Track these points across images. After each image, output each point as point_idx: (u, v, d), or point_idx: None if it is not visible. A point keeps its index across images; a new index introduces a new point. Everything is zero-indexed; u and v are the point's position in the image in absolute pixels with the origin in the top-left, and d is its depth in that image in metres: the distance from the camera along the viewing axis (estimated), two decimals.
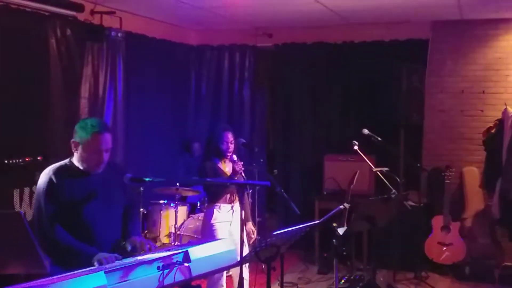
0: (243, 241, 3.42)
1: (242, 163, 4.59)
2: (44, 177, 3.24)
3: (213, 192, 4.69)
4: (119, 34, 6.23)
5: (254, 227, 4.94)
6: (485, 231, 6.59)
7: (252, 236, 4.84)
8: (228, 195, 4.66)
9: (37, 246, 2.68)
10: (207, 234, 4.66)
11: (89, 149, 3.19)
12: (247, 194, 4.95)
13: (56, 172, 3.26)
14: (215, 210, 4.65)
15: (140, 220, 4.48)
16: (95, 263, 2.99)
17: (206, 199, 5.97)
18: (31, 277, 2.62)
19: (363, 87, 7.39)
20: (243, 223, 3.48)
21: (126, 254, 3.23)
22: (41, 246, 2.97)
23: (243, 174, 4.58)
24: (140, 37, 6.94)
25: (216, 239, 4.35)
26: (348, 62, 7.48)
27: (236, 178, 4.52)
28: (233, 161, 4.58)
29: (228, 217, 4.68)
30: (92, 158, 3.22)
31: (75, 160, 3.26)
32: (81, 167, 3.25)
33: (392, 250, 6.27)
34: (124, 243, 3.33)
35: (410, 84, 7.11)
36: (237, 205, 4.69)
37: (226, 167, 4.70)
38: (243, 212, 3.50)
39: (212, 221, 4.63)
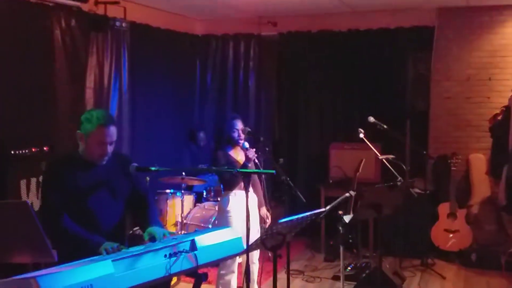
0: (249, 228, 3.42)
1: (254, 149, 4.60)
2: (49, 167, 3.26)
3: (228, 180, 4.70)
4: (124, 24, 6.22)
5: (268, 212, 4.97)
6: (492, 218, 6.59)
7: (267, 220, 4.86)
8: (243, 183, 4.66)
9: (44, 235, 2.70)
10: (223, 221, 4.68)
11: (93, 141, 3.20)
12: (260, 180, 4.96)
13: (62, 162, 3.28)
14: (230, 197, 4.67)
15: (157, 208, 4.46)
16: (102, 252, 3.00)
17: (221, 187, 6.04)
18: (39, 266, 2.64)
19: (369, 75, 7.37)
20: (248, 211, 3.47)
21: (138, 243, 3.23)
22: (48, 236, 2.99)
23: (257, 161, 4.59)
24: (144, 27, 6.94)
25: (230, 226, 4.37)
26: (353, 50, 7.45)
27: (250, 165, 4.53)
28: (245, 149, 4.58)
29: (244, 204, 4.69)
30: (96, 150, 3.22)
31: (81, 151, 3.28)
32: (86, 158, 3.26)
33: (398, 237, 6.27)
34: (139, 231, 3.33)
35: (416, 72, 7.11)
36: (250, 192, 4.71)
37: (239, 155, 4.71)
38: (248, 200, 3.49)
39: (228, 208, 4.65)
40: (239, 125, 4.67)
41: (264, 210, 4.91)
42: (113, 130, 3.24)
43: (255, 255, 4.78)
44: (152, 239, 3.21)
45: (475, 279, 5.93)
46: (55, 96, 5.67)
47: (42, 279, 2.41)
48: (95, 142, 3.20)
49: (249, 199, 4.65)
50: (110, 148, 3.24)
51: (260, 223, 4.86)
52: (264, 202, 4.96)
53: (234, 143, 4.68)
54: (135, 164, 3.31)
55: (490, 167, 6.68)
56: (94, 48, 6.18)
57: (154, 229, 3.29)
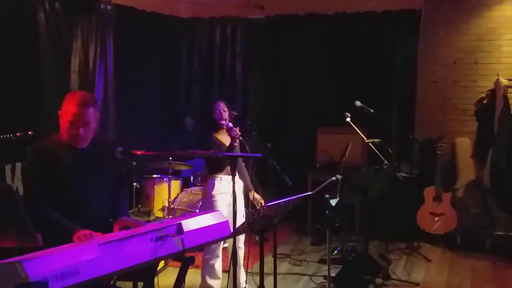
0: (235, 212, 3.42)
1: (238, 128, 4.57)
2: (30, 151, 3.22)
3: (214, 163, 4.69)
4: (108, 7, 6.17)
5: (258, 195, 4.97)
6: (477, 201, 6.64)
7: (262, 202, 4.85)
8: (229, 167, 4.65)
9: (29, 219, 2.68)
10: (207, 205, 4.68)
11: (68, 120, 3.15)
12: (248, 164, 4.95)
13: (42, 145, 3.24)
14: (216, 181, 4.66)
15: (128, 198, 4.43)
16: (75, 241, 2.95)
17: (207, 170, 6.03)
18: (24, 251, 2.62)
19: (356, 58, 7.36)
20: (235, 194, 3.47)
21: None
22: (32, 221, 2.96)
23: (242, 139, 4.55)
24: (129, 9, 6.88)
25: (216, 210, 4.37)
26: (340, 34, 7.44)
27: (235, 144, 4.50)
28: (229, 128, 4.55)
29: (229, 189, 4.66)
30: (69, 131, 3.17)
31: (61, 133, 3.23)
32: (66, 141, 3.22)
33: (384, 220, 6.31)
34: (111, 220, 3.30)
35: (403, 55, 7.10)
36: (236, 177, 4.70)
37: (224, 138, 4.68)
38: (235, 184, 3.48)
39: (213, 192, 4.64)
40: (221, 105, 4.64)
41: (255, 195, 4.90)
42: (89, 111, 3.17)
43: (241, 239, 4.79)
44: (125, 228, 3.16)
45: (460, 262, 6.00)
46: (39, 80, 5.61)
47: (27, 263, 2.38)
48: (69, 122, 3.15)
49: (235, 183, 4.68)
50: (85, 130, 3.18)
51: (246, 207, 4.85)
52: (253, 186, 4.96)
53: (218, 125, 4.65)
54: (121, 148, 3.27)
55: (475, 150, 6.71)
56: (79, 31, 6.13)
57: (125, 219, 3.26)
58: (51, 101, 5.62)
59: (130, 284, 3.38)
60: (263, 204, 4.83)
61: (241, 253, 4.81)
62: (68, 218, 3.10)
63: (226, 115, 4.65)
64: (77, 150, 3.24)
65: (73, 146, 3.23)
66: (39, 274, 2.37)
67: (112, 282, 3.18)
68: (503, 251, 6.16)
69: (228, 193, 4.67)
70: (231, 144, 4.51)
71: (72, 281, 2.48)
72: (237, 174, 4.70)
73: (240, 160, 4.85)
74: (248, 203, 4.93)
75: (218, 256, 4.67)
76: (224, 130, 4.63)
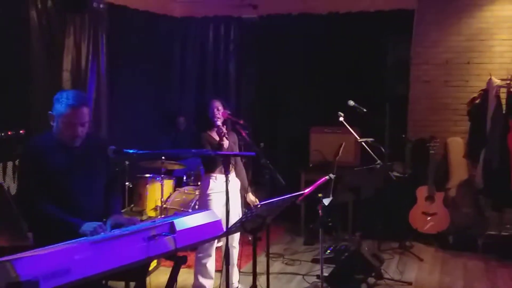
0: (229, 211, 3.41)
1: (225, 126, 4.56)
2: (24, 149, 3.21)
3: (208, 162, 4.68)
4: (101, 6, 6.13)
5: (253, 196, 4.96)
6: (469, 200, 6.67)
7: (257, 205, 4.83)
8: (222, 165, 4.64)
9: (19, 218, 2.66)
10: (202, 204, 4.67)
11: (63, 122, 3.15)
12: (244, 165, 4.95)
13: (36, 144, 3.23)
14: (211, 180, 4.65)
15: (121, 197, 4.40)
16: (87, 234, 2.95)
17: (201, 171, 6.01)
18: (16, 250, 2.60)
19: (349, 58, 7.36)
20: (228, 193, 3.46)
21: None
22: (24, 219, 2.95)
23: (227, 136, 4.54)
24: (122, 8, 6.85)
25: (210, 210, 4.36)
26: (333, 33, 7.44)
27: (223, 143, 4.49)
28: (217, 126, 4.54)
29: (223, 188, 4.68)
30: (66, 131, 3.17)
31: (55, 133, 3.22)
32: (61, 140, 3.21)
33: (377, 220, 6.32)
34: (104, 220, 3.29)
35: (395, 55, 7.12)
36: (233, 176, 4.70)
37: (218, 137, 4.66)
38: (228, 182, 3.47)
39: (208, 192, 4.63)
40: (217, 105, 4.64)
41: (250, 196, 4.89)
42: (83, 110, 3.17)
43: (235, 238, 4.78)
44: (117, 226, 3.15)
45: (452, 261, 6.01)
46: (31, 79, 5.57)
47: (18, 262, 2.36)
48: (66, 123, 3.15)
49: (231, 182, 4.67)
50: (81, 130, 3.18)
51: (242, 207, 4.84)
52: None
53: (212, 124, 4.64)
54: (113, 147, 3.26)
55: (467, 150, 6.73)
56: (71, 30, 6.09)
57: (117, 218, 3.26)
58: (43, 100, 5.57)
59: (122, 283, 3.38)
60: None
61: (235, 252, 4.80)
62: None
63: (219, 113, 4.64)
64: (69, 149, 3.23)
65: (65, 145, 3.22)
66: (29, 273, 2.35)
67: (104, 282, 3.16)
68: (495, 250, 6.18)
69: (223, 192, 4.66)
70: (218, 143, 4.51)
71: (63, 281, 2.46)
72: (234, 172, 4.72)
73: (238, 159, 4.84)
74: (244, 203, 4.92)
75: (211, 256, 4.66)
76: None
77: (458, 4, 6.97)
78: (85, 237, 2.92)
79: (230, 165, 4.66)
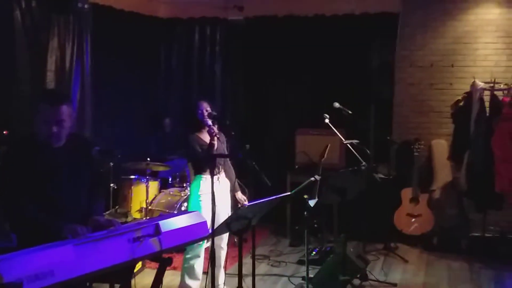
0: (215, 212, 3.41)
1: (216, 126, 4.55)
2: (7, 151, 3.17)
3: (198, 163, 4.68)
4: (86, 6, 6.08)
5: (244, 195, 4.96)
6: (453, 202, 6.71)
7: (245, 203, 4.83)
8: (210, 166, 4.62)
9: (2, 219, 2.64)
10: (193, 205, 4.66)
11: (40, 119, 3.12)
12: (232, 165, 4.95)
13: (18, 144, 3.21)
14: (201, 182, 4.64)
15: (104, 199, 4.38)
16: (68, 236, 2.92)
17: (186, 172, 6.04)
18: (0, 251, 2.58)
19: (334, 60, 7.39)
20: (214, 193, 3.46)
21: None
22: (7, 220, 2.91)
23: (218, 137, 4.53)
24: (107, 9, 6.81)
25: (202, 210, 4.36)
26: (319, 36, 7.46)
27: (214, 142, 4.48)
28: (208, 126, 4.53)
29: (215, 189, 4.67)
30: (42, 129, 3.14)
31: (37, 133, 3.19)
32: (43, 140, 3.17)
33: (362, 221, 6.34)
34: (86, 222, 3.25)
35: (380, 58, 7.15)
36: (222, 176, 4.70)
37: (206, 138, 4.65)
38: (214, 183, 3.47)
39: (199, 193, 4.62)
40: (204, 105, 4.63)
41: (239, 195, 4.90)
42: (60, 109, 3.12)
43: (224, 240, 4.78)
44: (98, 228, 3.11)
45: (436, 262, 6.05)
46: (14, 79, 5.53)
47: (1, 264, 2.35)
48: (42, 121, 3.12)
49: (222, 183, 4.68)
50: (57, 128, 3.13)
51: (233, 207, 4.84)
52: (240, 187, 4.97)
53: (200, 125, 4.63)
54: (98, 148, 3.24)
55: (451, 152, 6.77)
56: (56, 30, 6.05)
57: (98, 219, 3.22)
58: (27, 101, 5.53)
59: (107, 286, 3.35)
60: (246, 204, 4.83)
61: (223, 253, 4.80)
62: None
63: (207, 114, 4.63)
64: (53, 149, 3.20)
65: (49, 145, 3.18)
66: (13, 275, 2.33)
67: (88, 284, 3.14)
68: (479, 251, 6.24)
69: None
70: (210, 143, 4.50)
71: (47, 282, 2.45)
72: (223, 173, 4.72)
73: (228, 160, 4.84)
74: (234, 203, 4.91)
75: (199, 257, 4.65)
76: (206, 129, 4.61)
77: (443, 7, 7.02)
78: (68, 239, 2.88)
79: (220, 166, 4.68)
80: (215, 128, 4.51)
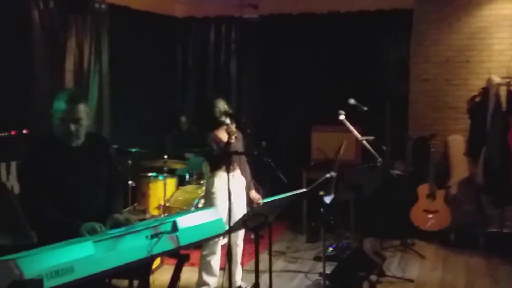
0: (231, 209, 3.44)
1: (234, 125, 4.58)
2: (28, 150, 3.22)
3: (213, 161, 4.71)
4: (103, 6, 6.14)
5: (258, 193, 4.99)
6: (470, 198, 6.67)
7: (260, 202, 4.86)
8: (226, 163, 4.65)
9: (23, 217, 2.68)
10: (208, 202, 4.70)
11: (58, 118, 3.15)
12: (248, 162, 4.97)
13: (37, 143, 3.25)
14: (216, 179, 4.67)
15: (122, 197, 4.41)
16: (85, 234, 2.97)
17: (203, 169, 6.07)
18: (19, 248, 2.63)
19: (350, 57, 7.39)
20: (230, 191, 3.49)
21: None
22: (27, 218, 2.96)
23: (236, 135, 4.55)
24: (124, 9, 6.87)
25: (216, 207, 4.38)
26: (334, 33, 7.45)
27: (232, 141, 4.51)
28: (226, 125, 4.55)
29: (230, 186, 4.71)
30: (60, 128, 3.17)
31: (55, 132, 3.22)
32: (61, 140, 3.21)
33: (379, 218, 6.34)
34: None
35: (396, 54, 7.14)
36: (237, 173, 4.72)
37: (224, 135, 4.67)
38: (229, 180, 3.51)
39: (213, 190, 4.65)
40: (220, 104, 4.66)
41: (253, 193, 4.93)
42: (78, 107, 3.15)
43: (240, 237, 4.80)
44: (115, 226, 3.14)
45: (453, 259, 6.03)
46: (33, 78, 5.60)
47: (22, 261, 2.38)
48: (60, 119, 3.15)
49: (237, 181, 4.70)
50: (76, 127, 3.16)
51: (247, 205, 4.87)
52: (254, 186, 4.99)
53: (217, 123, 4.66)
54: (115, 146, 3.29)
55: (468, 148, 6.74)
56: (73, 30, 6.12)
57: (117, 217, 3.24)
58: (46, 100, 5.57)
59: (126, 282, 3.40)
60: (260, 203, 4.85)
61: (239, 250, 4.83)
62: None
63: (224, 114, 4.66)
64: (71, 148, 3.23)
65: (67, 144, 3.22)
66: (33, 272, 2.37)
67: (107, 280, 3.19)
68: (496, 247, 6.20)
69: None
70: (227, 141, 4.53)
71: (67, 279, 2.48)
72: (239, 171, 4.74)
73: (243, 157, 4.86)
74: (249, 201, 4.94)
75: (215, 253, 4.68)
76: (223, 127, 4.64)
77: (457, 3, 6.99)
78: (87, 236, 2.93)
79: (235, 163, 4.70)
80: (233, 127, 4.53)
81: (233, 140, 4.50)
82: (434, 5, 7.08)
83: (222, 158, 4.48)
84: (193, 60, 8.24)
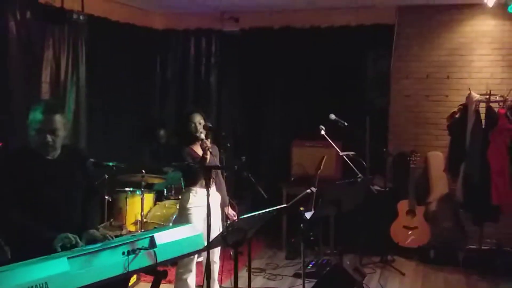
0: (209, 225, 3.37)
1: (209, 139, 4.51)
2: (1, 162, 3.13)
3: (189, 176, 4.63)
4: (81, 17, 6.06)
5: (233, 210, 4.92)
6: (449, 215, 6.68)
7: (235, 219, 4.78)
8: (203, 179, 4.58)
9: None
10: (182, 218, 4.60)
11: (34, 128, 3.09)
12: (223, 177, 4.89)
13: (12, 156, 3.19)
14: (191, 194, 4.59)
15: (98, 211, 4.33)
16: (57, 246, 2.88)
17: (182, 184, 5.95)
18: None
19: (330, 72, 7.40)
20: (209, 207, 3.42)
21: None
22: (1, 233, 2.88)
23: (211, 151, 4.48)
24: (103, 20, 6.79)
25: (191, 224, 4.29)
26: (315, 47, 7.46)
27: (207, 157, 4.44)
28: (201, 141, 4.48)
29: (204, 202, 4.61)
30: (36, 139, 3.10)
31: (31, 143, 3.15)
32: (37, 151, 3.14)
33: (359, 234, 6.30)
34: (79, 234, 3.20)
35: (376, 69, 7.17)
36: (213, 190, 4.64)
37: (199, 150, 4.60)
38: (209, 197, 3.43)
39: (188, 206, 4.57)
40: (197, 119, 4.60)
41: (230, 210, 4.85)
42: (54, 118, 3.09)
43: (216, 254, 4.72)
44: (91, 242, 3.06)
45: (433, 275, 6.02)
46: (9, 91, 5.49)
47: None
48: (35, 130, 3.08)
49: (211, 197, 4.62)
50: (52, 137, 3.10)
51: (222, 221, 4.79)
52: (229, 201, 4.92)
53: (193, 138, 4.59)
54: (92, 160, 3.21)
55: (448, 164, 6.76)
56: (51, 41, 6.03)
57: (93, 232, 3.16)
58: (21, 112, 5.49)
59: None
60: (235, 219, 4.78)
61: (216, 267, 4.74)
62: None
63: (201, 127, 4.59)
64: (47, 160, 3.16)
65: (43, 156, 3.14)
66: None
67: None
68: (475, 264, 6.20)
69: (204, 206, 4.60)
70: (202, 157, 4.46)
71: None
72: (214, 186, 4.67)
73: (219, 173, 4.79)
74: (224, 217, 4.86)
75: (191, 271, 4.59)
76: (199, 143, 4.57)
77: (439, 19, 7.05)
78: (62, 252, 2.84)
79: (211, 179, 4.62)
80: (208, 142, 4.47)
81: (207, 156, 4.43)
82: (415, 21, 7.13)
83: (199, 173, 4.41)
84: (173, 72, 8.18)
